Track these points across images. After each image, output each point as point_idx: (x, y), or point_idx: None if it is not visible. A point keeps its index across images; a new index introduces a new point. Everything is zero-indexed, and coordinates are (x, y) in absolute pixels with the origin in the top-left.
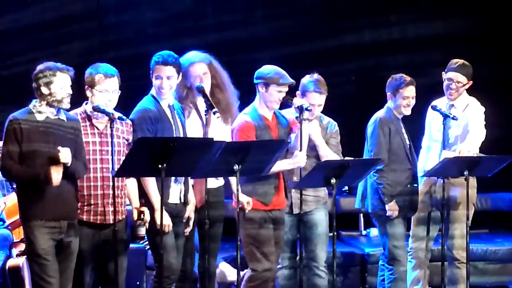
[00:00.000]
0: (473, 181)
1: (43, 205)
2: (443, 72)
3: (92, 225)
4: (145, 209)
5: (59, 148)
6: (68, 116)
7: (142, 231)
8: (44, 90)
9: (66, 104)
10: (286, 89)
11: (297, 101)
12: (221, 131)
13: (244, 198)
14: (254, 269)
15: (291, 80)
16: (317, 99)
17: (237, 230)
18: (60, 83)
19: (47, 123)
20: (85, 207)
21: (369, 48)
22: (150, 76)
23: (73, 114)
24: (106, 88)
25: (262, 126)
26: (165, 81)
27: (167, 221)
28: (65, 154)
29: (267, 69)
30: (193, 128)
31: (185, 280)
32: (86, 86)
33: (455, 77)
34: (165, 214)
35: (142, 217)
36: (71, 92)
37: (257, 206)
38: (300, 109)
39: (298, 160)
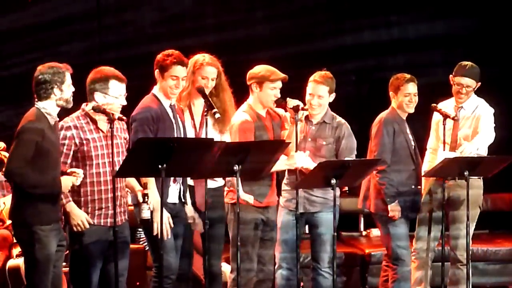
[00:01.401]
0: (479, 182)
1: (53, 209)
2: (450, 76)
3: (103, 228)
4: (149, 191)
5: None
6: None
7: (147, 213)
8: (57, 92)
9: (71, 102)
10: (280, 84)
11: (291, 102)
12: (214, 137)
13: (246, 196)
14: (235, 269)
15: (282, 75)
16: (314, 89)
17: (237, 230)
18: (69, 83)
19: (53, 127)
20: (96, 211)
21: (369, 49)
22: (159, 75)
23: (76, 118)
24: (120, 93)
25: (260, 126)
26: (180, 82)
27: (167, 222)
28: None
29: (258, 68)
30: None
31: (184, 281)
32: (95, 92)
33: (464, 82)
34: (165, 214)
35: (146, 199)
36: (74, 89)
37: (254, 203)
38: (295, 110)
39: (294, 161)
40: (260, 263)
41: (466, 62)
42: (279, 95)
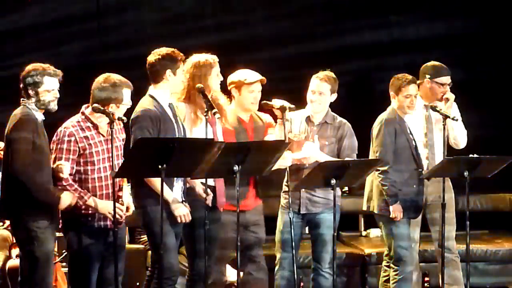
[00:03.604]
0: (449, 184)
1: (48, 206)
2: (427, 79)
3: (101, 229)
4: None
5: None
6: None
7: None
8: (32, 92)
9: (53, 106)
10: (259, 87)
11: (277, 102)
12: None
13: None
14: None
15: (259, 77)
16: (316, 86)
17: (237, 231)
18: (48, 86)
19: (42, 124)
20: (96, 215)
21: (369, 49)
22: (171, 73)
23: (77, 123)
24: (127, 101)
25: (239, 129)
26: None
27: (184, 211)
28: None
29: (236, 73)
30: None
31: (199, 281)
32: (110, 104)
33: (447, 80)
34: (180, 205)
35: (120, 201)
36: (58, 95)
37: (229, 207)
38: (282, 110)
39: (284, 163)
40: (255, 263)
41: (435, 62)
42: (258, 98)
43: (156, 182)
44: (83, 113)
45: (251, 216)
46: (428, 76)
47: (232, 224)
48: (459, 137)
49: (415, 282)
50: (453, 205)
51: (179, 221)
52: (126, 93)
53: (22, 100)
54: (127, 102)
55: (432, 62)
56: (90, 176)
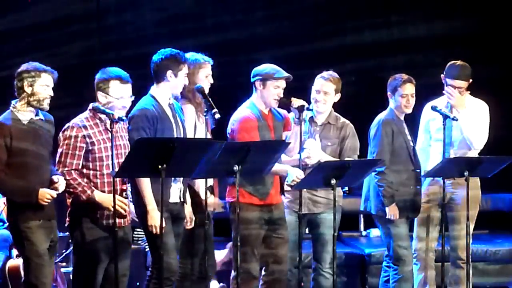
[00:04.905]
0: (477, 182)
1: (38, 207)
2: (442, 75)
3: (109, 227)
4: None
5: (55, 178)
6: (45, 116)
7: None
8: (28, 89)
9: (46, 105)
10: (283, 84)
11: (296, 102)
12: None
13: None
14: (239, 268)
15: (287, 74)
16: (321, 85)
17: (236, 230)
18: (44, 84)
19: (31, 124)
20: (105, 212)
21: (369, 49)
22: (171, 74)
23: (85, 119)
24: (122, 94)
25: (263, 125)
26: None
27: (156, 223)
28: (62, 183)
29: (263, 66)
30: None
31: (188, 280)
32: (100, 92)
33: (458, 84)
34: (157, 214)
35: (124, 195)
36: (52, 94)
37: (253, 201)
38: (300, 110)
39: (308, 155)
40: (274, 263)
41: (457, 62)
42: (281, 95)
43: (143, 185)
44: (90, 110)
45: (276, 213)
46: (443, 74)
47: (255, 219)
48: (470, 137)
49: (431, 281)
50: (472, 202)
51: (150, 230)
52: (115, 86)
53: (13, 105)
54: (116, 96)
55: (454, 61)
56: (98, 172)
